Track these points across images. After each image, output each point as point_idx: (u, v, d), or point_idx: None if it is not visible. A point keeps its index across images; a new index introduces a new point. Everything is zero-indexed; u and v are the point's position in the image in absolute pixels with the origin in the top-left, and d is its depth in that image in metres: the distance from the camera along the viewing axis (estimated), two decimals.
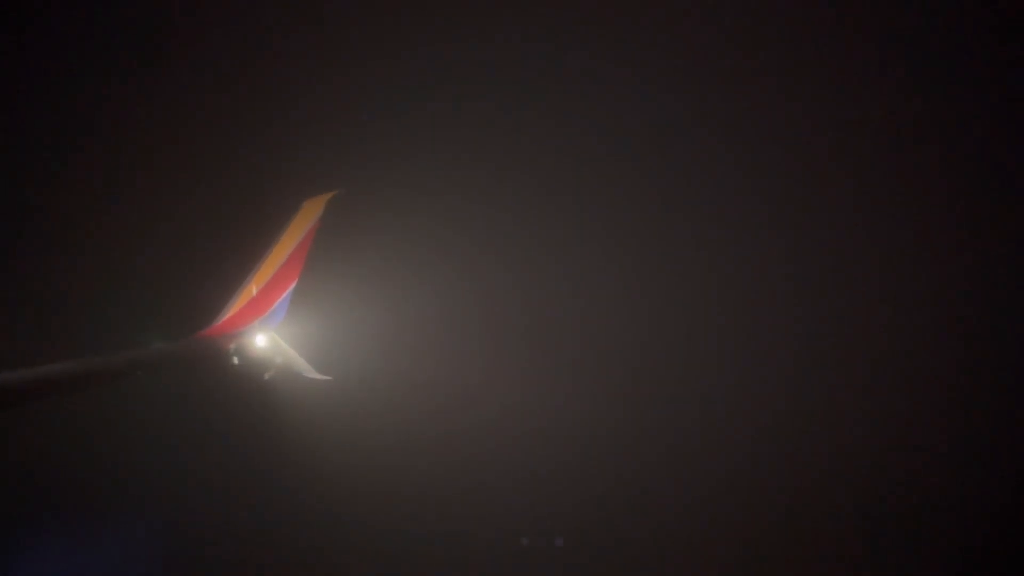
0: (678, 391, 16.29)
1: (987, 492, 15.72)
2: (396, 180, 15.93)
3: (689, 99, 16.40)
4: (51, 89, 15.27)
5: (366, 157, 15.84)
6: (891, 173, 16.40)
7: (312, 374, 11.86)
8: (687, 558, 15.64)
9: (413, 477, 15.58)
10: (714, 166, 16.62)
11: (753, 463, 16.05)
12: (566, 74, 16.30)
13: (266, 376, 11.57)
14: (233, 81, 15.70)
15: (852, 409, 16.24)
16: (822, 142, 16.44)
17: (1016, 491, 15.65)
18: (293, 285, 12.24)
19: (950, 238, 16.30)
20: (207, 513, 14.52)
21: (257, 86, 15.75)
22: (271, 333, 12.04)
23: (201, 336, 11.50)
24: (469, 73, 16.11)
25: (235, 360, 11.28)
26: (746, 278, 16.62)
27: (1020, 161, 16.08)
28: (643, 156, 16.60)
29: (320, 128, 15.77)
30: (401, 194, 15.94)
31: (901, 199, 16.35)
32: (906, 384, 16.13)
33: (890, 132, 16.31)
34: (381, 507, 15.22)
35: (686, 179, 16.57)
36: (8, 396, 7.93)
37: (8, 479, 13.48)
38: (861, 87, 16.32)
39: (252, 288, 11.92)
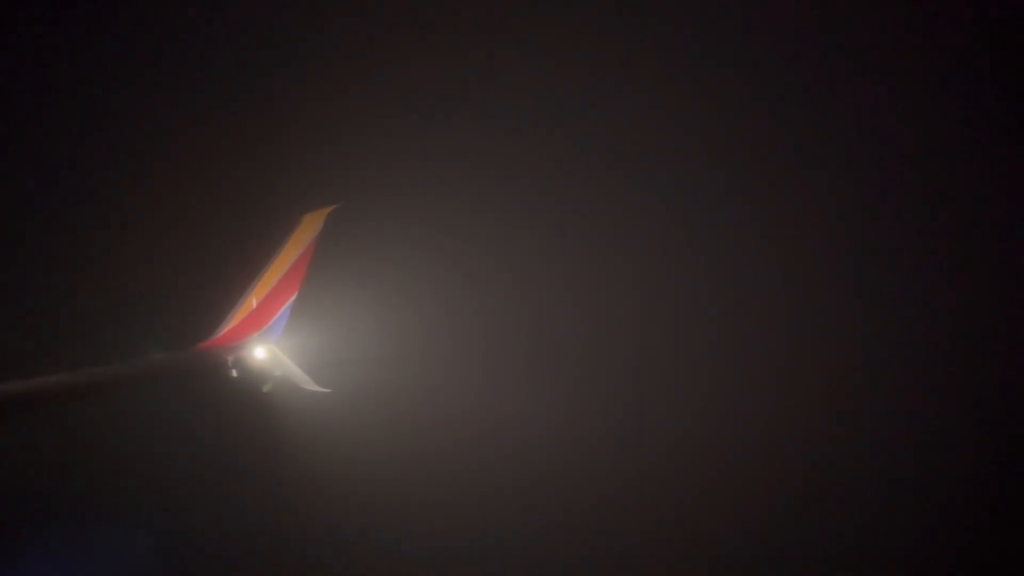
0: (679, 397, 16.29)
1: (989, 493, 15.70)
2: (396, 194, 16.00)
3: (687, 103, 16.45)
4: (52, 101, 15.38)
5: (366, 171, 15.93)
6: (891, 174, 16.48)
7: (311, 386, 11.92)
8: (688, 563, 15.60)
9: (411, 489, 15.56)
10: (712, 172, 16.67)
11: (754, 468, 16.03)
12: (565, 83, 16.38)
13: (264, 389, 11.63)
14: (233, 95, 15.81)
15: (853, 411, 16.24)
16: (822, 144, 16.51)
17: (1016, 490, 15.62)
18: (293, 298, 12.32)
19: (949, 238, 16.35)
20: (204, 525, 14.51)
21: (257, 100, 15.86)
22: (270, 345, 12.10)
23: (201, 348, 11.58)
24: (468, 86, 16.21)
25: (234, 372, 11.35)
26: (747, 284, 16.64)
27: (1019, 162, 16.16)
28: (641, 164, 16.67)
29: (320, 142, 15.86)
30: (401, 207, 16.02)
31: (902, 200, 16.40)
32: (906, 384, 16.14)
33: (890, 133, 16.39)
34: (379, 519, 15.21)
35: (686, 186, 16.63)
36: (9, 407, 7.99)
37: (7, 489, 13.50)
38: (860, 88, 16.40)
39: (252, 301, 12.00)
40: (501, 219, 16.39)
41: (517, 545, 15.58)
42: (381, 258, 15.69)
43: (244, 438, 14.40)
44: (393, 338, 15.55)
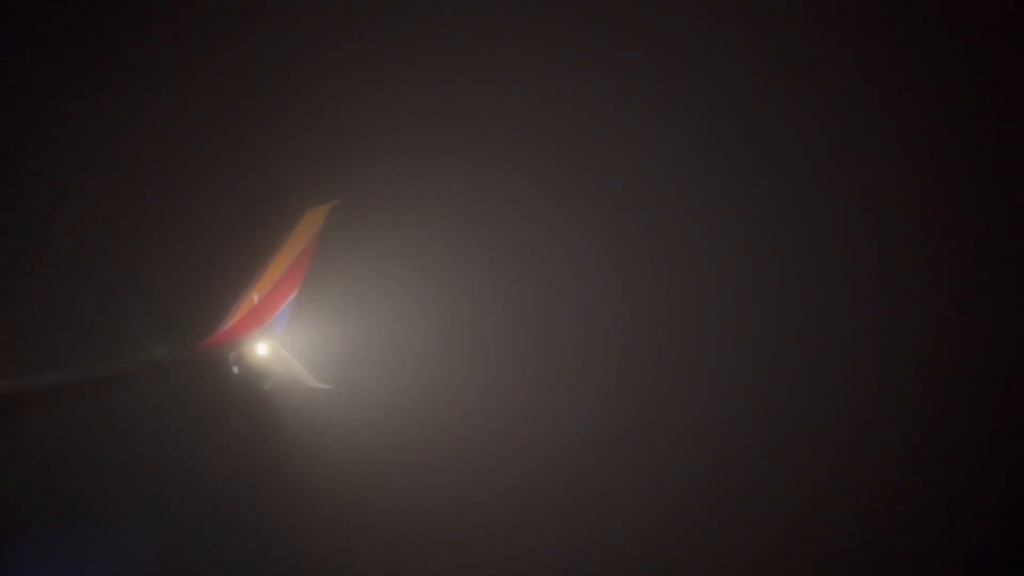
0: (685, 395, 16.25)
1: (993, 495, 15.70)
2: (397, 190, 15.98)
3: (687, 101, 16.42)
4: (55, 98, 15.37)
5: (367, 168, 15.90)
6: (893, 173, 16.45)
7: (312, 383, 11.94)
8: (692, 566, 15.62)
9: (413, 486, 15.56)
10: (715, 167, 16.64)
11: (760, 467, 16.02)
12: (567, 80, 16.33)
13: (266, 386, 11.65)
14: (236, 92, 15.80)
15: (859, 411, 16.19)
16: (824, 142, 16.47)
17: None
18: (294, 294, 12.34)
19: (953, 237, 16.32)
20: (204, 523, 14.52)
21: (260, 97, 15.84)
22: (272, 342, 12.13)
23: (202, 344, 11.59)
24: (470, 83, 16.18)
25: (235, 369, 11.37)
26: (750, 281, 16.58)
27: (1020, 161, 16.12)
28: (643, 159, 16.63)
29: (322, 138, 15.84)
30: (402, 204, 15.99)
31: (904, 199, 16.38)
32: (912, 385, 16.13)
33: (892, 131, 16.36)
34: (380, 516, 15.22)
35: (687, 181, 16.60)
36: (10, 404, 8.01)
37: (6, 487, 13.52)
38: (861, 85, 16.34)
39: (254, 297, 12.02)
40: (503, 215, 16.37)
41: (518, 540, 15.61)
42: (383, 254, 15.66)
43: (245, 435, 14.40)
44: (395, 335, 15.54)
